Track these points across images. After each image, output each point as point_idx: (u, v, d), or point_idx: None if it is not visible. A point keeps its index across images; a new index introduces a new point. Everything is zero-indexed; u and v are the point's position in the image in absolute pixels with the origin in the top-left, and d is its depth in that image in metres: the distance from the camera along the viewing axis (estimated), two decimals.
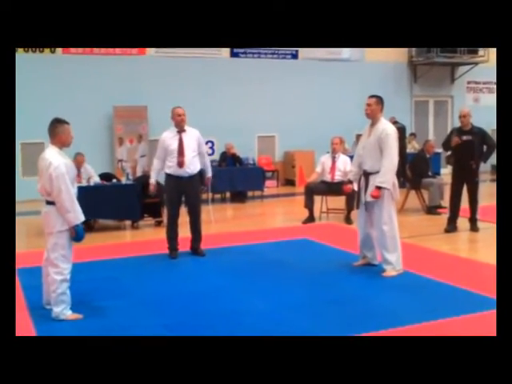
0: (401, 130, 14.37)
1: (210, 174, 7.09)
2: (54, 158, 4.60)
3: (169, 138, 6.70)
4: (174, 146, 6.62)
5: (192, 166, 6.68)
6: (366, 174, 5.90)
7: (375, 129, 5.84)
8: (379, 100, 5.93)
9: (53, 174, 4.53)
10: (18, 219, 10.67)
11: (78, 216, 4.63)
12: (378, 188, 5.71)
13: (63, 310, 4.68)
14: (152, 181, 6.87)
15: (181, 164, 6.60)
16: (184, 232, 7.12)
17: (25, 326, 4.46)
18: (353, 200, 8.95)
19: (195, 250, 6.95)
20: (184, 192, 6.78)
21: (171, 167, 6.67)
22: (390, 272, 5.76)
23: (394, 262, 5.78)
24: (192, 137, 6.74)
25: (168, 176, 6.76)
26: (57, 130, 4.69)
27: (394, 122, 14.44)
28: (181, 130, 6.71)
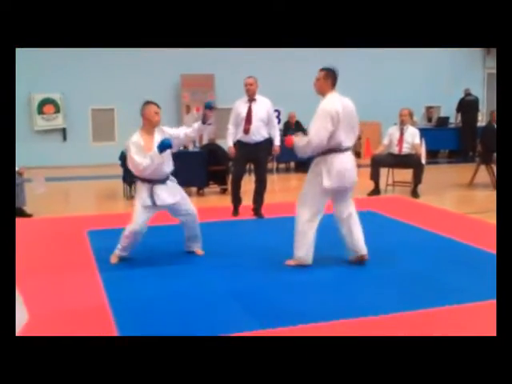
0: (473, 103, 13.96)
1: (277, 142, 7.31)
2: (131, 138, 5.14)
3: (240, 106, 7.04)
4: (244, 113, 6.94)
5: (258, 133, 6.98)
6: None
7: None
8: (329, 73, 5.01)
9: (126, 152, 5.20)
10: (88, 183, 11.15)
11: (153, 156, 5.02)
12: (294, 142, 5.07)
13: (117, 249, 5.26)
14: (230, 144, 7.16)
15: (246, 131, 6.93)
16: (248, 200, 7.35)
17: (94, 285, 4.67)
18: (421, 173, 8.84)
19: (256, 210, 7.31)
20: (250, 158, 7.15)
21: (240, 133, 7.01)
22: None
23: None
24: (262, 106, 7.02)
25: (237, 142, 7.09)
26: (142, 111, 5.17)
27: (468, 94, 14.00)
28: (251, 99, 6.99)
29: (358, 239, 5.18)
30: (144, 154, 5.01)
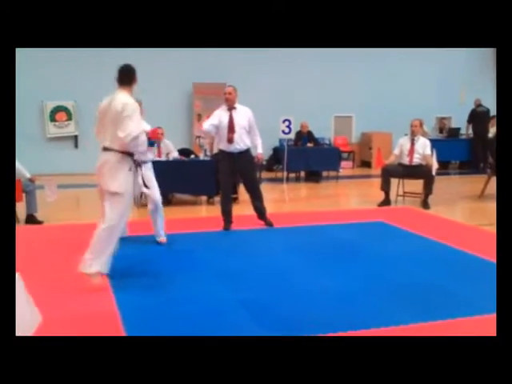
0: (484, 114, 13.90)
1: (260, 150, 7.25)
2: None
3: (220, 114, 7.00)
4: (225, 122, 6.90)
5: (241, 142, 6.94)
6: None
7: None
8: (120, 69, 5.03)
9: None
10: (91, 190, 11.13)
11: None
12: None
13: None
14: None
15: (230, 140, 6.87)
16: (250, 209, 7.37)
17: (104, 291, 4.69)
18: (431, 184, 8.81)
19: (262, 219, 7.26)
20: (236, 168, 7.01)
21: (222, 143, 6.96)
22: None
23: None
24: (243, 115, 6.99)
25: (220, 151, 7.05)
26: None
27: (479, 105, 13.95)
28: (231, 108, 6.96)
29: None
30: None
